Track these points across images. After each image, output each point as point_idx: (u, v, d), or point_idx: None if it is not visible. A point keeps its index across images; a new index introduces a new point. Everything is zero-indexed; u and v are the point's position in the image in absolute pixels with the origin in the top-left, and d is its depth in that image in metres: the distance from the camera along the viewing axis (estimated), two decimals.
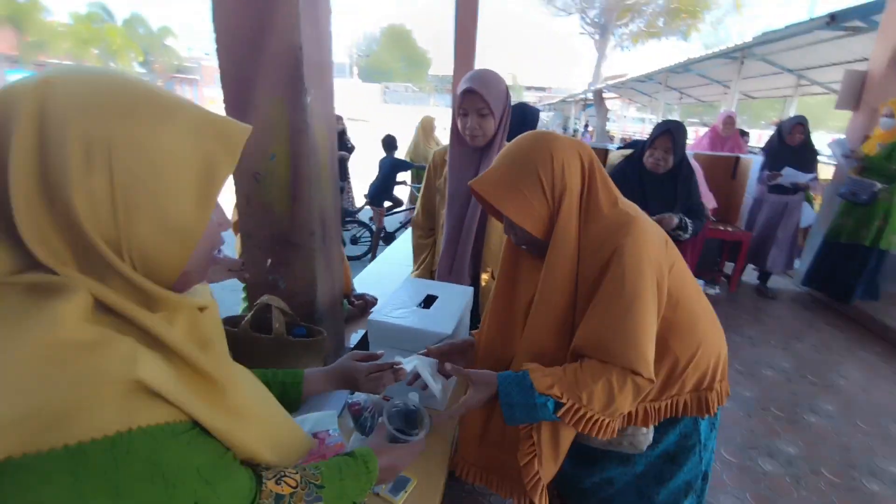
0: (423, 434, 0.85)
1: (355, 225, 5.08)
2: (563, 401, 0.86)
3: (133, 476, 0.39)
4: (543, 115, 24.40)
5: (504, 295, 1.09)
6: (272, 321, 1.16)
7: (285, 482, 0.59)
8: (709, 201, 3.18)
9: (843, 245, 3.46)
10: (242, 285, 1.44)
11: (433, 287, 1.44)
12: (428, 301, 1.36)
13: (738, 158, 3.76)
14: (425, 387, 1.04)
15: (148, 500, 0.40)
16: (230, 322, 1.19)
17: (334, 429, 1.13)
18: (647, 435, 1.03)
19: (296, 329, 1.22)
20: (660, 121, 2.99)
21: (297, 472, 0.62)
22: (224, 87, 1.12)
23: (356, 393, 1.16)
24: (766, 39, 5.06)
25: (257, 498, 0.55)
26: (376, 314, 1.25)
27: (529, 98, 31.69)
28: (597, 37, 14.62)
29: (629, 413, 0.99)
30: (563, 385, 0.87)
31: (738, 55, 6.27)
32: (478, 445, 1.09)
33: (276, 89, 1.11)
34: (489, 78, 1.46)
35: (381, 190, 4.81)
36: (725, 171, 3.78)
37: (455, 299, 1.36)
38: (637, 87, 12.33)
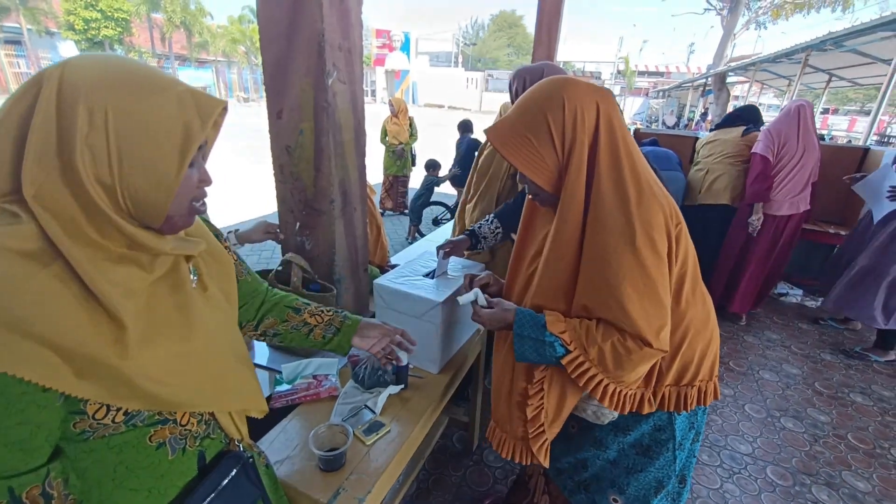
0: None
1: (438, 206, 5.28)
2: (570, 348, 0.88)
3: None
4: (653, 103, 22.30)
5: (519, 248, 1.09)
6: (292, 275, 1.34)
7: None
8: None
9: None
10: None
11: (446, 261, 1.51)
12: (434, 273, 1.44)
13: (867, 150, 3.13)
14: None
15: None
16: (261, 274, 1.40)
17: (333, 374, 1.29)
18: (612, 411, 1.00)
19: (311, 285, 1.39)
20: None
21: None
22: (265, 72, 1.31)
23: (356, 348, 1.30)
24: None
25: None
26: (383, 279, 1.36)
27: (642, 84, 29.13)
28: (725, 12, 12.84)
29: (606, 393, 0.94)
30: (574, 334, 0.89)
31: None
32: (504, 404, 1.09)
33: (304, 72, 1.27)
34: (537, 75, 1.48)
35: (461, 171, 4.95)
36: (849, 165, 3.18)
37: (461, 273, 1.42)
38: (771, 69, 10.61)
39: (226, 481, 0.68)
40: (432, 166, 5.05)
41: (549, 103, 0.85)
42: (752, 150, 2.74)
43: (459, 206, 2.08)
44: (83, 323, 0.50)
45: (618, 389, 0.90)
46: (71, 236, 0.50)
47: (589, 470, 1.13)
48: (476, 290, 1.07)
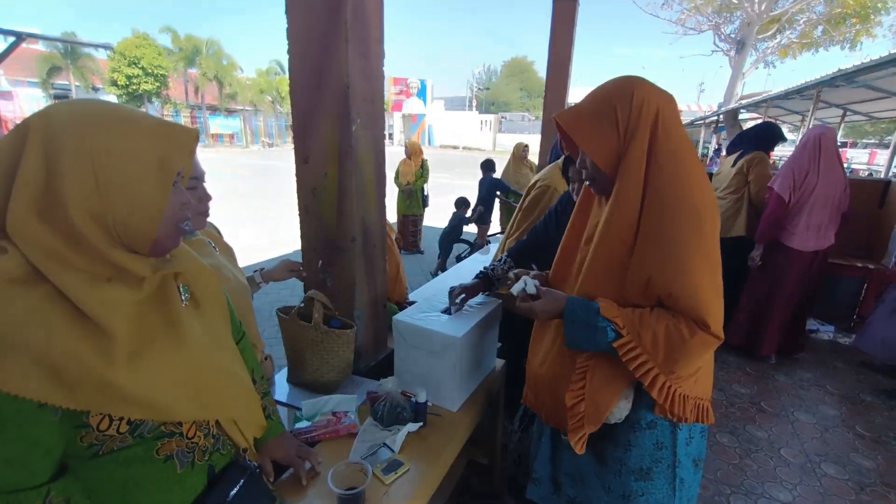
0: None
1: (461, 244, 5.35)
2: (623, 332, 0.90)
3: None
4: None
5: (570, 236, 1.12)
6: (314, 311, 1.38)
7: None
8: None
9: None
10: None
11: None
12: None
13: (888, 183, 3.09)
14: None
15: None
16: (284, 311, 1.44)
17: (352, 411, 1.29)
18: (622, 410, 0.99)
19: (332, 321, 1.42)
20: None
21: None
22: (293, 118, 1.41)
23: (379, 381, 1.30)
24: None
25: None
26: (401, 315, 1.39)
27: None
28: (732, 53, 13.13)
29: (656, 385, 0.93)
30: (627, 319, 0.91)
31: None
32: (545, 385, 1.12)
33: (330, 121, 1.36)
34: None
35: (483, 209, 5.06)
36: (871, 198, 3.13)
37: (478, 309, 1.44)
38: (783, 106, 10.68)
39: (234, 491, 0.70)
40: (462, 203, 5.15)
41: (618, 93, 0.93)
42: (770, 185, 2.71)
43: (502, 240, 2.14)
44: (74, 337, 0.53)
45: (667, 384, 0.92)
46: (56, 263, 0.54)
47: (587, 484, 1.11)
48: (525, 278, 1.08)
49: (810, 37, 13.32)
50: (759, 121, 12.61)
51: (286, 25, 1.32)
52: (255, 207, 8.46)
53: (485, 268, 1.60)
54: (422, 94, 33.40)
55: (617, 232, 0.93)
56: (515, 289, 1.08)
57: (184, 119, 23.76)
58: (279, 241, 6.00)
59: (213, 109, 26.11)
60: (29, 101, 19.23)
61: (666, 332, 0.87)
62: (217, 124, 26.16)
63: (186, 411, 0.64)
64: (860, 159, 18.61)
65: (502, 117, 35.80)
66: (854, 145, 24.98)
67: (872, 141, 25.87)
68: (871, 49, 13.32)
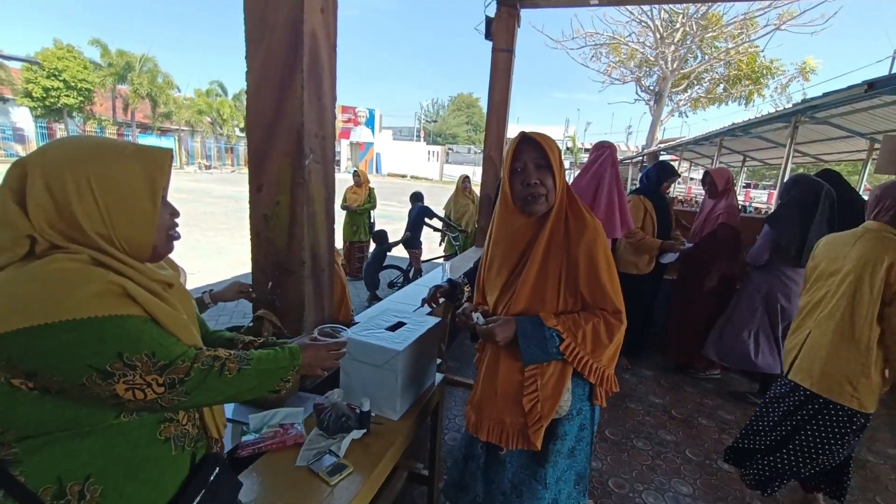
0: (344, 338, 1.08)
1: (393, 269, 5.48)
2: (564, 336, 1.13)
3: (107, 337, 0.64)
4: None
5: (504, 258, 1.28)
6: (263, 330, 1.46)
7: (222, 350, 0.79)
8: None
9: None
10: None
11: (406, 316, 1.68)
12: (396, 326, 1.59)
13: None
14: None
15: (120, 346, 0.65)
16: (233, 330, 1.50)
17: (299, 423, 1.38)
18: (567, 402, 1.21)
19: (281, 339, 1.51)
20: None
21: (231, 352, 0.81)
22: (249, 152, 1.52)
23: (325, 394, 1.40)
24: (807, 106, 5.01)
25: (198, 356, 0.74)
26: (346, 332, 1.50)
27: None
28: (652, 103, 14.83)
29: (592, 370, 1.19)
30: (564, 326, 1.14)
31: (792, 119, 6.16)
32: (492, 402, 1.28)
33: (284, 154, 1.49)
34: None
35: (411, 235, 5.29)
36: (756, 232, 3.72)
37: (419, 327, 1.59)
38: (695, 150, 12.17)
39: (212, 478, 0.82)
40: (382, 238, 5.33)
41: (552, 141, 1.19)
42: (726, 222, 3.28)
43: None
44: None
45: (595, 366, 1.17)
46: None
47: (524, 495, 1.26)
48: (473, 314, 1.26)
49: (714, 93, 15.43)
50: (677, 161, 14.15)
51: (245, 69, 1.45)
52: (191, 231, 8.08)
53: (451, 278, 1.77)
54: (370, 123, 33.83)
55: (556, 249, 1.17)
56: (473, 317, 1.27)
57: (109, 136, 22.18)
58: (216, 263, 5.80)
59: (145, 128, 24.69)
60: None
61: (593, 328, 1.14)
62: (148, 143, 24.64)
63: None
64: (761, 199, 21.38)
65: (449, 149, 37.04)
66: (756, 186, 28.59)
67: (770, 183, 29.70)
68: (763, 106, 15.63)
